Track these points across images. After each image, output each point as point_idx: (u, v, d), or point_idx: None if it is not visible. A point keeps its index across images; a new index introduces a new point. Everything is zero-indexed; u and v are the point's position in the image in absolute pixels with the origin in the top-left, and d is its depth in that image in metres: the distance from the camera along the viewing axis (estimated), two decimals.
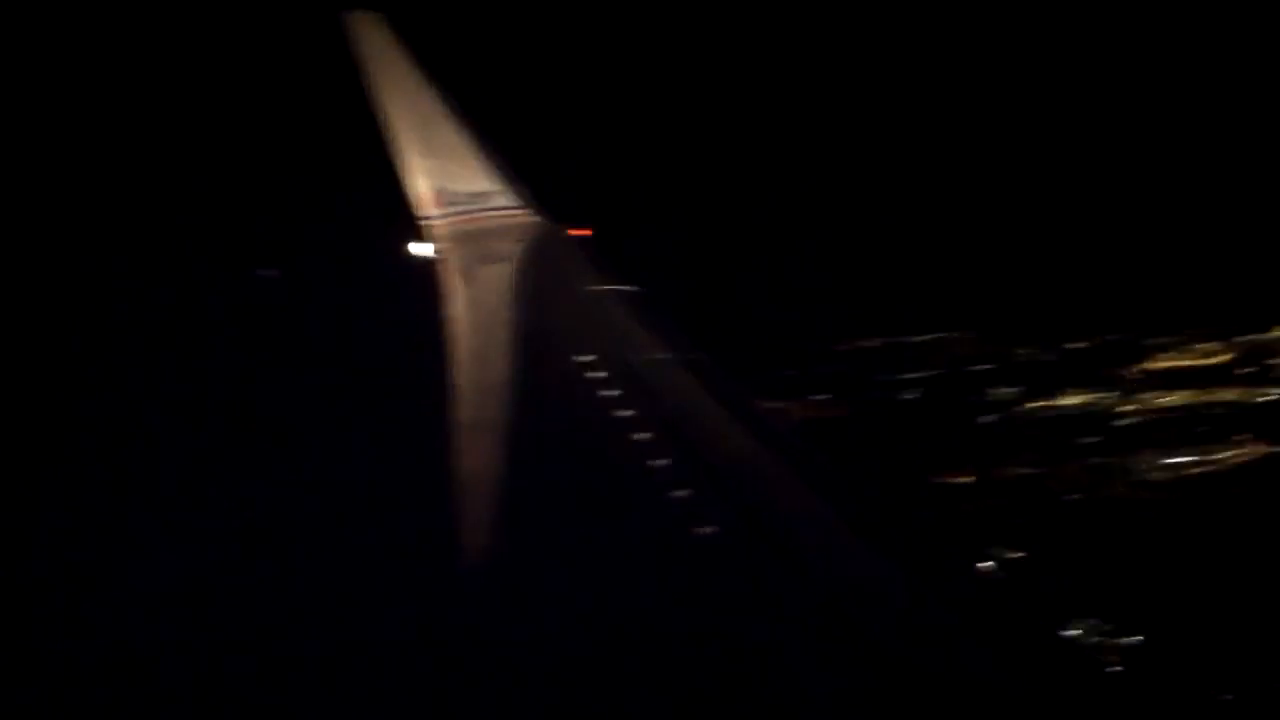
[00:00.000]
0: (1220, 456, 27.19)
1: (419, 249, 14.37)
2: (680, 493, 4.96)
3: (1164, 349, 34.90)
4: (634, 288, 10.28)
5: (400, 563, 5.00)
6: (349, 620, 4.57)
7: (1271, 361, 33.26)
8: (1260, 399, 30.29)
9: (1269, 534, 24.56)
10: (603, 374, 7.13)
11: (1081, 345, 35.97)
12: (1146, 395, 31.34)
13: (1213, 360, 34.17)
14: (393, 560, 5.04)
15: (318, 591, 4.99)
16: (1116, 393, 31.52)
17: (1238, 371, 32.58)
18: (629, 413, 6.30)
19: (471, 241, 14.25)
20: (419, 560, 5.02)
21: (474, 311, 11.91)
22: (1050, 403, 31.50)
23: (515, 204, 14.94)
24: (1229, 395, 30.46)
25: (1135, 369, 33.32)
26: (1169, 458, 27.53)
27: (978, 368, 34.98)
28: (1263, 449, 27.36)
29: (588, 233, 14.00)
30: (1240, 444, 27.63)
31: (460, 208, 14.90)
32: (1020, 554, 21.40)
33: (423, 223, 14.75)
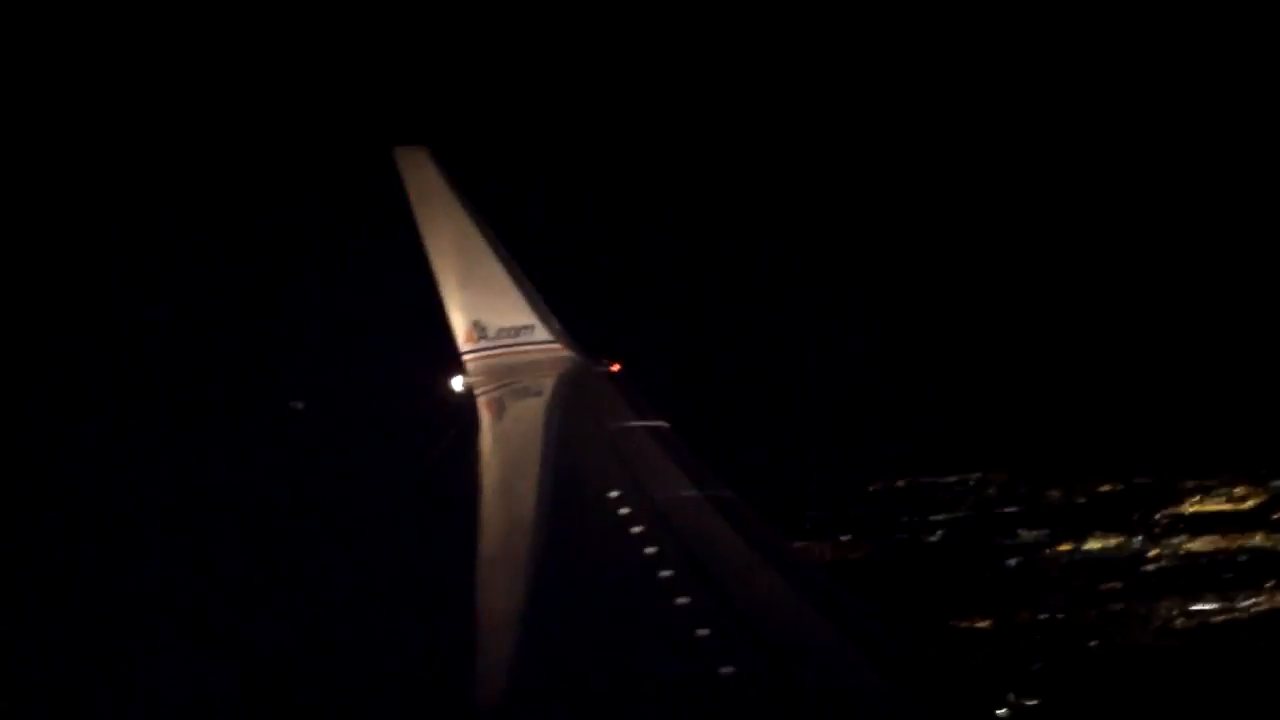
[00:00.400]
0: (1246, 605, 26.69)
1: (454, 381, 14.53)
2: (703, 631, 4.88)
3: (1195, 492, 34.55)
4: (664, 423, 10.27)
5: (420, 699, 4.92)
6: None
7: None
8: None
9: None
10: (630, 510, 7.09)
11: (1112, 487, 35.69)
12: (1175, 540, 31.02)
13: (1245, 505, 33.78)
14: (413, 696, 4.95)
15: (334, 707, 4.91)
16: (1144, 537, 31.15)
17: (1271, 516, 32.16)
18: (654, 550, 6.24)
19: (506, 375, 14.43)
20: (439, 696, 4.93)
21: (504, 445, 11.99)
22: (1076, 546, 31.14)
23: (550, 338, 15.13)
24: (1259, 541, 30.04)
25: (1165, 512, 32.98)
26: (1194, 605, 27.08)
27: (1006, 509, 34.74)
28: None
29: (619, 368, 14.11)
30: (1269, 592, 27.11)
31: (496, 341, 15.10)
32: (1035, 701, 20.97)
33: (460, 355, 14.94)
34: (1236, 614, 26.92)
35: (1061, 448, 36.71)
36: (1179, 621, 26.93)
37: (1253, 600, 27.22)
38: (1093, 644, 26.26)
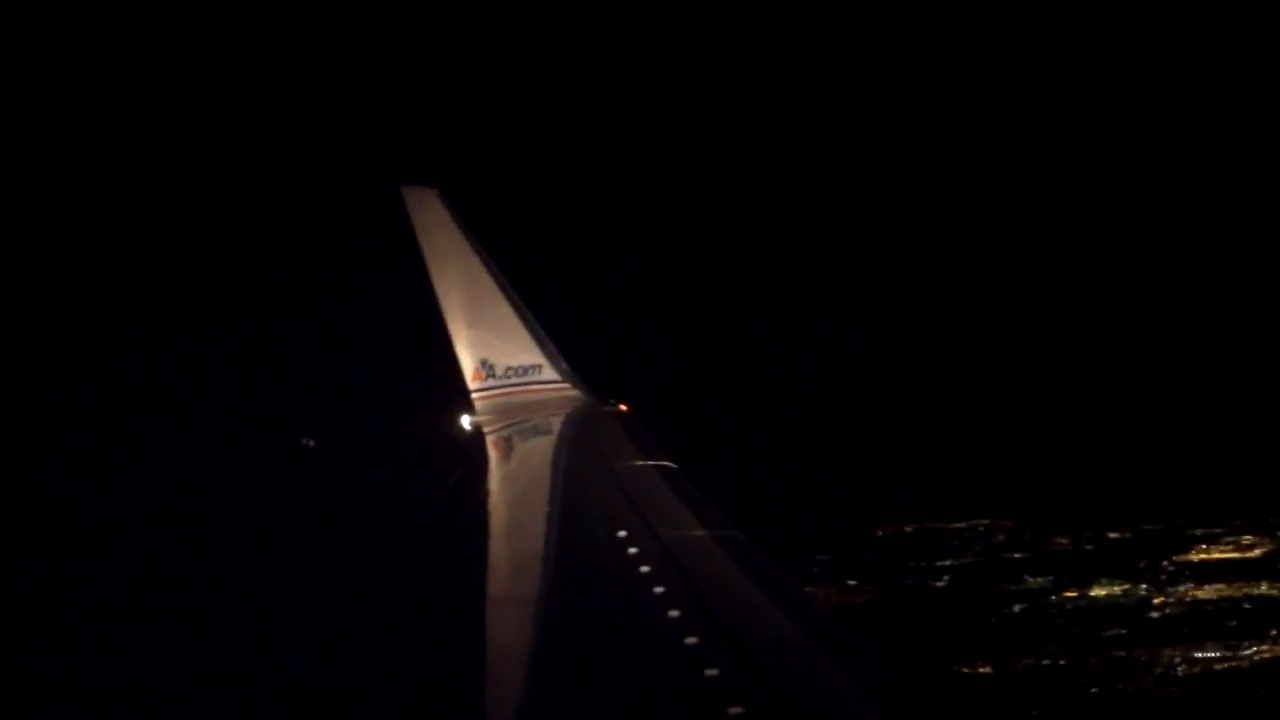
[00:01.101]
0: (1249, 653, 26.58)
1: (463, 420, 14.49)
2: (712, 671, 4.83)
3: (1203, 540, 34.46)
4: (672, 464, 10.22)
5: None
6: None
7: None
8: None
9: None
10: (639, 550, 7.04)
11: (1121, 535, 35.55)
12: (1180, 587, 31.04)
13: (1252, 553, 33.67)
14: None
15: None
16: (1150, 584, 31.10)
17: (1278, 565, 32.06)
18: (663, 589, 6.19)
19: (514, 414, 14.38)
20: None
21: (512, 483, 11.92)
22: (1082, 592, 31.10)
23: (558, 378, 15.10)
24: (1264, 589, 29.96)
25: (1172, 559, 32.92)
26: (1197, 652, 26.97)
27: (1014, 555, 34.65)
28: None
29: (627, 408, 14.07)
30: (1272, 640, 27.00)
31: (504, 381, 15.06)
32: None
33: (469, 394, 14.91)
34: (1239, 662, 26.84)
35: (1071, 495, 36.67)
36: (1181, 669, 26.85)
37: (1256, 648, 27.17)
38: (1093, 690, 26.20)
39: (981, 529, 37.15)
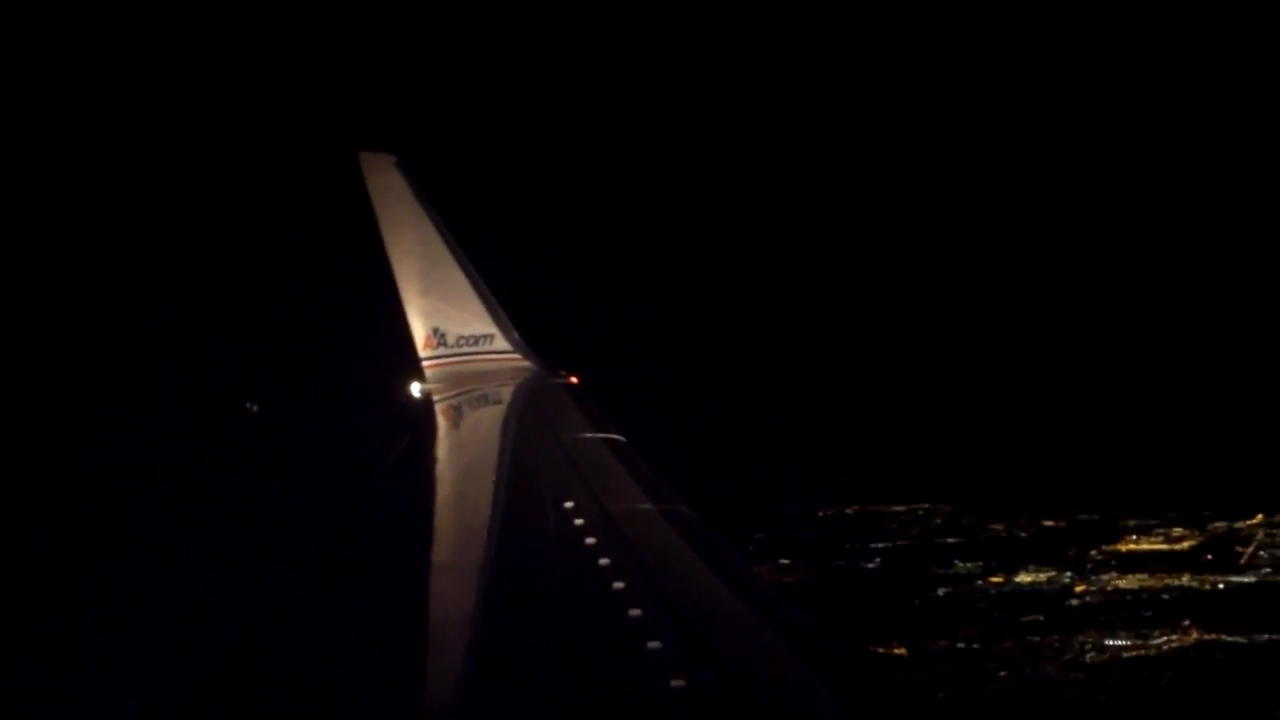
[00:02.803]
0: (1159, 642, 27.08)
1: (412, 387, 14.30)
2: (654, 644, 4.75)
3: (1135, 531, 35.10)
4: (620, 437, 10.12)
5: (369, 707, 4.74)
6: None
7: (1239, 549, 33.26)
8: (1216, 586, 30.31)
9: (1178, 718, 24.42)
10: (584, 521, 6.95)
11: (1055, 523, 36.05)
12: (1104, 576, 31.69)
13: (1180, 546, 34.28)
14: (360, 704, 4.77)
15: None
16: (1074, 572, 31.64)
17: (1202, 558, 32.61)
18: (607, 561, 6.10)
19: (464, 383, 14.24)
20: (388, 704, 4.76)
21: (460, 451, 11.80)
22: (1008, 578, 31.56)
23: (509, 349, 14.96)
24: (1185, 581, 30.53)
25: (1100, 549, 33.51)
26: (1108, 640, 27.47)
27: (948, 540, 35.07)
28: (1199, 636, 27.19)
29: (577, 381, 13.94)
30: (1184, 631, 27.48)
31: (455, 349, 14.90)
32: None
33: (419, 362, 14.71)
34: (1147, 650, 27.48)
35: (1013, 483, 37.16)
36: (1090, 656, 27.45)
37: (1166, 638, 27.78)
38: (1002, 674, 26.57)
39: (920, 513, 37.63)
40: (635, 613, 5.40)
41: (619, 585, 5.84)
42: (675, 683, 4.59)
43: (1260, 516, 35.46)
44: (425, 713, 4.87)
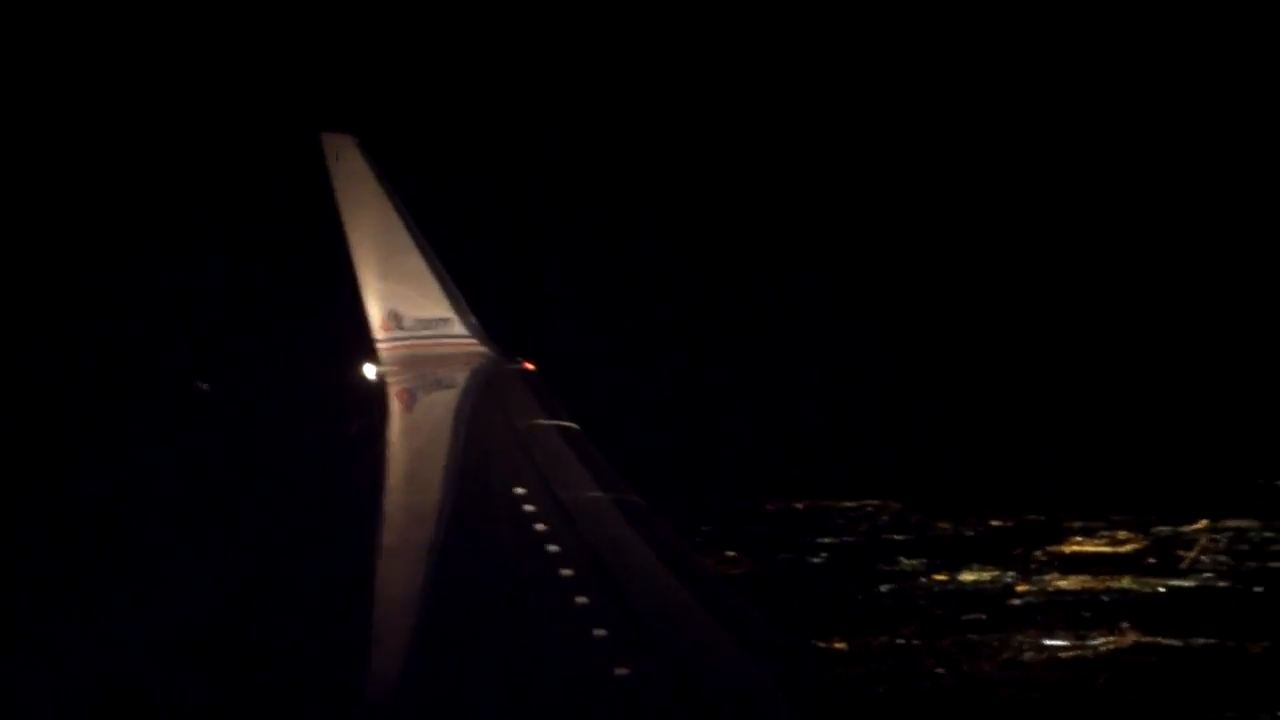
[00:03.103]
0: (1095, 643, 27.37)
1: (367, 370, 14.23)
2: (600, 632, 4.76)
3: (1080, 532, 35.45)
4: (574, 425, 10.13)
5: (312, 689, 4.70)
6: None
7: (1181, 554, 33.65)
8: (1155, 589, 30.62)
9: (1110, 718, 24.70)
10: (535, 508, 6.95)
11: (1002, 523, 36.31)
12: (1046, 577, 31.92)
13: (1123, 548, 34.62)
14: (303, 686, 4.74)
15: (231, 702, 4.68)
16: (1017, 572, 31.86)
17: (1144, 561, 32.93)
18: (557, 548, 6.11)
19: (419, 367, 14.21)
20: (332, 687, 4.73)
21: (413, 435, 11.78)
22: (951, 576, 31.72)
23: (466, 333, 14.93)
24: (1126, 584, 30.79)
25: (1045, 550, 33.77)
26: (1046, 640, 27.75)
27: (895, 537, 35.21)
28: (1136, 638, 27.49)
29: (533, 367, 13.93)
30: (1121, 632, 27.77)
31: (412, 333, 14.86)
32: None
33: (375, 344, 14.64)
34: (1084, 651, 27.83)
35: (963, 482, 37.38)
36: (1028, 655, 27.76)
37: (1104, 640, 28.09)
38: (939, 671, 26.77)
39: (869, 509, 37.78)
40: (582, 600, 5.41)
41: (567, 572, 5.85)
42: (620, 671, 4.61)
43: (1204, 522, 35.88)
44: (371, 697, 4.85)
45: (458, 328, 14.91)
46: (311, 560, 6.84)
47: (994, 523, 36.47)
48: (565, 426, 10.19)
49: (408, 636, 5.52)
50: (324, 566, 6.66)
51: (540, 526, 6.69)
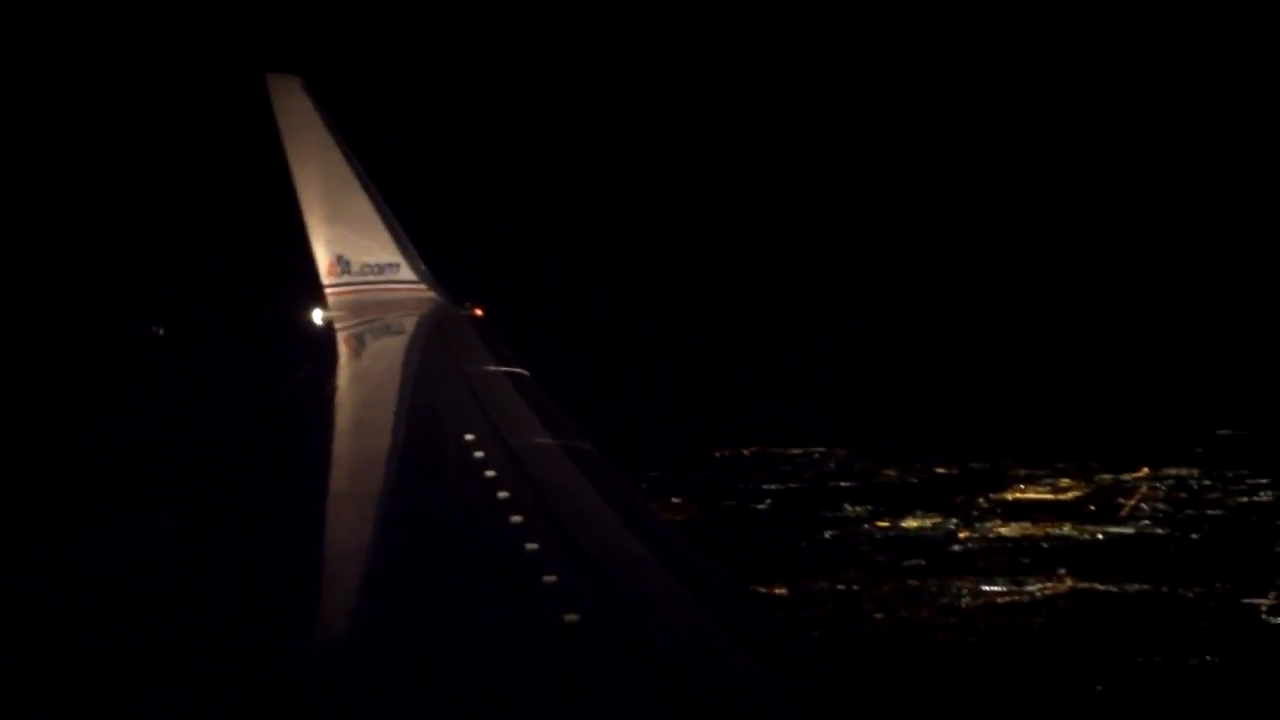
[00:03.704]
0: (1031, 589, 28.00)
1: (315, 315, 13.95)
2: (550, 578, 4.67)
3: (1024, 480, 35.97)
4: (524, 371, 9.99)
5: (258, 634, 4.58)
6: (205, 689, 4.15)
7: (1122, 501, 34.24)
8: (1095, 536, 31.28)
9: (1044, 662, 25.27)
10: (484, 454, 6.83)
11: (947, 470, 36.77)
12: (988, 524, 32.55)
13: (1065, 495, 35.19)
14: (249, 632, 4.62)
15: (178, 648, 4.56)
16: (959, 519, 32.38)
17: (1085, 509, 33.51)
18: (506, 494, 6.00)
19: (367, 312, 13.97)
20: (277, 632, 4.61)
21: (361, 381, 11.60)
22: (894, 523, 32.21)
23: (414, 279, 14.68)
24: (1066, 530, 31.44)
25: (988, 497, 34.29)
26: (984, 585, 28.29)
27: (840, 484, 35.56)
28: (1072, 584, 28.15)
29: (481, 312, 13.74)
30: (1058, 578, 28.40)
31: (359, 278, 14.60)
32: None
33: (323, 289, 14.36)
34: (1021, 597, 28.37)
35: (912, 430, 37.79)
36: (965, 601, 28.30)
37: (1041, 585, 28.70)
38: (877, 616, 27.20)
39: (816, 456, 38.15)
40: (532, 547, 5.33)
41: (516, 519, 5.75)
42: (569, 617, 4.54)
43: (1146, 470, 36.57)
44: (315, 645, 4.74)
45: (406, 273, 14.66)
46: (255, 506, 6.68)
47: (939, 470, 36.97)
48: (514, 373, 10.05)
49: (355, 583, 5.41)
50: (268, 512, 6.50)
51: (489, 473, 6.58)
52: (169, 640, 4.69)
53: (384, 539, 6.01)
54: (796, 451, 38.02)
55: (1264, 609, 27.86)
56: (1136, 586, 29.13)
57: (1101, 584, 29.33)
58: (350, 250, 14.70)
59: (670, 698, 4.04)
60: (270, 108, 14.67)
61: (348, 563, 5.73)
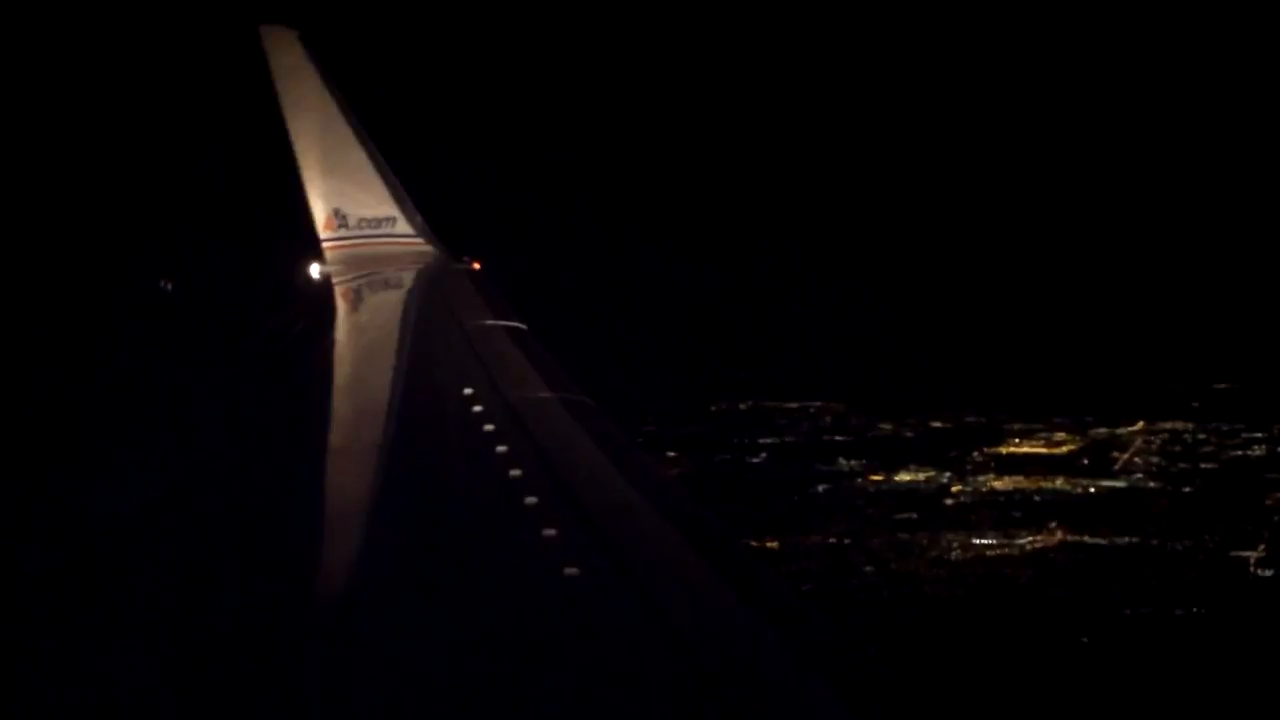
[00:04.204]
0: (1022, 542, 28.08)
1: (313, 269, 13.86)
2: (550, 532, 4.65)
3: (1018, 434, 36.01)
4: (522, 325, 9.93)
5: (260, 592, 4.57)
6: (200, 648, 4.14)
7: (1116, 455, 34.29)
8: (1087, 490, 31.32)
9: (1030, 614, 25.39)
10: (483, 408, 6.80)
11: (943, 424, 36.75)
12: (981, 477, 32.61)
13: (1059, 450, 35.23)
14: (252, 589, 4.61)
15: (168, 600, 4.55)
16: (953, 473, 32.41)
17: (1079, 463, 33.52)
18: (505, 449, 5.98)
19: (364, 266, 13.89)
20: (280, 589, 4.60)
21: (359, 335, 11.55)
22: (888, 477, 32.20)
23: (412, 232, 14.59)
24: (1059, 484, 31.47)
25: (982, 451, 34.33)
26: (975, 539, 28.37)
27: (836, 438, 35.52)
28: (1062, 537, 28.24)
29: (479, 267, 13.63)
30: (1049, 532, 28.48)
31: (357, 232, 14.51)
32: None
33: (320, 244, 14.25)
34: (1011, 550, 28.51)
35: (909, 384, 37.76)
36: (955, 554, 28.41)
37: (1030, 539, 28.82)
38: (867, 569, 27.27)
39: (812, 410, 38.13)
40: (531, 500, 5.30)
41: (516, 473, 5.72)
42: (569, 570, 4.52)
43: (1141, 423, 36.60)
44: (318, 599, 4.74)
45: (403, 227, 14.54)
46: (257, 461, 6.67)
47: (935, 424, 36.96)
48: (512, 327, 10.00)
49: (357, 537, 5.41)
50: (269, 467, 6.49)
51: (488, 427, 6.55)
52: (170, 591, 4.68)
53: (384, 493, 5.99)
54: (793, 406, 37.96)
55: (1252, 561, 27.99)
56: (1126, 539, 29.25)
57: (1091, 537, 29.44)
58: (347, 204, 14.57)
59: (666, 649, 4.03)
60: (265, 61, 14.53)
61: (347, 518, 5.71)
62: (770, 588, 5.14)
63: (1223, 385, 38.98)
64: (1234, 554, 28.35)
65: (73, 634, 4.28)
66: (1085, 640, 24.96)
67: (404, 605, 4.49)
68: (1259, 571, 27.67)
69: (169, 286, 20.97)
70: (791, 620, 4.51)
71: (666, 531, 5.23)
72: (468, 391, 7.34)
